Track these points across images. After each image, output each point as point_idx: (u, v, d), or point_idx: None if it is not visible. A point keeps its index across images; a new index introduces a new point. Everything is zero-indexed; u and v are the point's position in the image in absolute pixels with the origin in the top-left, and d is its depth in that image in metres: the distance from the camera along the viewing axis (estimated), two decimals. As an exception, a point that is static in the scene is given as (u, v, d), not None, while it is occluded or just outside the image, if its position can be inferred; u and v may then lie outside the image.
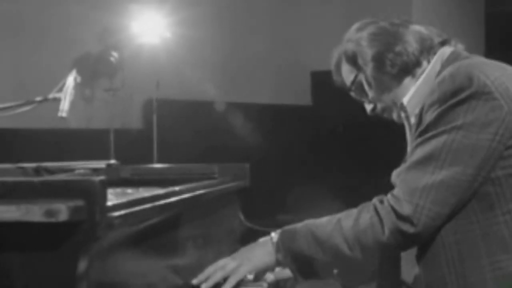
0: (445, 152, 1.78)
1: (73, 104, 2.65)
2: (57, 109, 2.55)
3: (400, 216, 1.78)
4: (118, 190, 2.41)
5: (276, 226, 2.74)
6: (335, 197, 6.76)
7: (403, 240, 1.79)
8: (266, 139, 7.06)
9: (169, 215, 1.94)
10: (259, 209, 3.34)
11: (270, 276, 2.00)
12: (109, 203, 1.52)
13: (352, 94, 2.03)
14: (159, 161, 6.47)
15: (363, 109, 2.07)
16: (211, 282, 1.92)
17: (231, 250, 2.54)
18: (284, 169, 7.02)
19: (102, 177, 1.46)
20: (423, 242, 1.83)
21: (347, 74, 2.01)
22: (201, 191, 2.20)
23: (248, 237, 2.68)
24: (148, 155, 6.45)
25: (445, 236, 1.81)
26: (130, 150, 6.57)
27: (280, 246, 1.92)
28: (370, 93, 1.99)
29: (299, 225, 1.95)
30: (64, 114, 2.53)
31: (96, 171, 2.71)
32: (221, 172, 2.65)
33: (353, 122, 5.13)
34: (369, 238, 1.81)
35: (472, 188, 1.78)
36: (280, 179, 6.96)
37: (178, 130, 6.99)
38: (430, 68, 1.94)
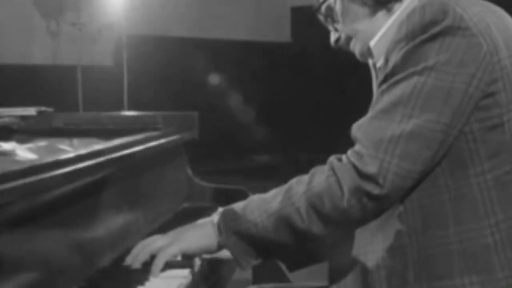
0: (414, 97, 1.46)
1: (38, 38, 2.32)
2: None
3: (362, 174, 1.46)
4: (45, 143, 2.09)
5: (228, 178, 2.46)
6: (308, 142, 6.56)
7: (367, 204, 1.47)
8: (242, 78, 6.77)
9: (99, 177, 1.64)
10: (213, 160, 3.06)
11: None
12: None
13: (320, 18, 1.70)
14: (129, 101, 6.17)
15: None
16: (137, 262, 1.61)
17: (178, 212, 2.27)
18: (267, 111, 6.74)
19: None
20: (390, 206, 1.51)
21: None
22: (136, 148, 1.89)
23: (197, 195, 2.40)
24: (118, 95, 6.15)
25: (407, 201, 1.50)
26: (99, 89, 6.30)
27: (222, 227, 1.58)
28: (337, 20, 1.66)
29: (243, 202, 1.62)
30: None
31: (25, 119, 2.40)
32: (166, 122, 2.35)
33: (334, 62, 4.80)
34: (325, 203, 1.48)
35: (447, 141, 1.47)
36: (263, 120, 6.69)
37: (149, 68, 6.68)
38: (407, 4, 1.59)
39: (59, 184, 1.44)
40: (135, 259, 1.61)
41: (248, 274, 2.56)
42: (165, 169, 2.22)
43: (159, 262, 1.57)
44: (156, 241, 1.62)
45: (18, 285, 1.34)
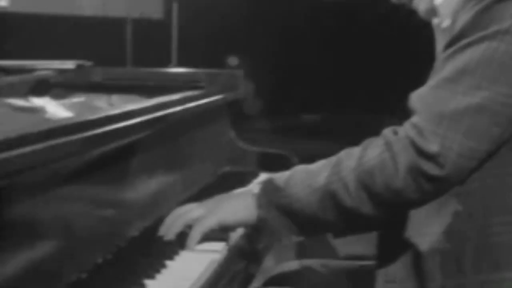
0: (484, 66, 1.30)
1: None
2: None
3: (421, 152, 1.30)
4: (80, 99, 1.99)
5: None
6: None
7: (423, 184, 1.31)
8: (293, 34, 6.60)
9: (132, 140, 1.52)
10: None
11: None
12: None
13: None
14: (179, 57, 6.05)
15: None
16: (171, 234, 1.48)
17: (218, 176, 2.15)
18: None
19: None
20: (450, 188, 1.35)
21: None
22: (173, 109, 1.77)
23: (239, 159, 2.28)
24: (168, 50, 6.03)
25: (468, 180, 1.35)
26: (148, 44, 6.19)
27: (262, 199, 1.43)
28: None
29: (286, 173, 1.46)
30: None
31: (63, 72, 2.30)
32: (210, 80, 2.22)
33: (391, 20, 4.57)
34: (377, 181, 1.32)
35: None
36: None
37: (201, 23, 6.54)
38: None
39: (82, 149, 1.32)
40: (168, 229, 1.49)
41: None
42: (206, 131, 2.10)
43: (195, 235, 1.45)
44: (192, 211, 1.49)
45: (47, 253, 1.24)
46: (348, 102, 6.40)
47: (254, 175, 2.17)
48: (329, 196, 1.37)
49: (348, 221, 1.40)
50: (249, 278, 1.61)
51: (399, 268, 1.42)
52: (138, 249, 1.47)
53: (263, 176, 2.17)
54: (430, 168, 1.30)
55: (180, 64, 5.68)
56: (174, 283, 1.33)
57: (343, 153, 1.41)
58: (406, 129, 1.34)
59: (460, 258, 1.37)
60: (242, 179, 2.11)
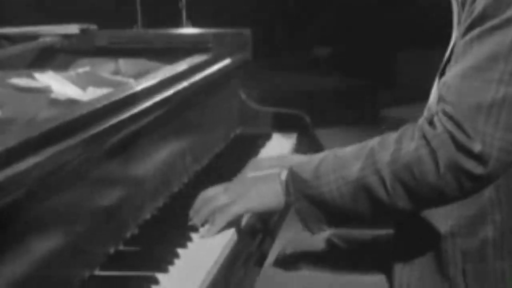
0: None
1: None
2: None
3: (463, 149, 1.22)
4: (85, 69, 1.94)
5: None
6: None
7: (464, 182, 1.24)
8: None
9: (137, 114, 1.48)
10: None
11: None
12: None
13: None
14: (192, 17, 5.88)
15: None
16: (199, 220, 1.43)
17: (228, 140, 2.11)
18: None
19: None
20: (490, 184, 1.29)
21: None
22: (180, 86, 1.71)
23: (251, 120, 2.24)
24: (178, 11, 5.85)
25: None
26: (158, 3, 6.02)
27: (290, 187, 1.36)
28: None
29: (316, 159, 1.38)
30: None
31: (67, 37, 2.25)
32: (218, 41, 2.16)
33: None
34: (416, 178, 1.26)
35: None
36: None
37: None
38: None
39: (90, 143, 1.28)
40: (196, 215, 1.44)
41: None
42: (216, 96, 2.05)
43: (220, 223, 1.40)
44: (219, 197, 1.42)
45: (62, 232, 1.22)
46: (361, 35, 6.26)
47: (268, 137, 2.14)
48: (364, 190, 1.31)
49: (381, 213, 1.35)
50: (264, 255, 1.59)
51: (417, 250, 1.39)
52: (149, 235, 1.44)
53: (276, 139, 2.14)
54: (473, 167, 1.23)
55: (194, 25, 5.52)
56: (188, 273, 1.30)
57: (376, 142, 1.34)
58: (442, 121, 1.26)
59: (483, 245, 1.34)
60: (255, 142, 2.08)
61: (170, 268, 1.30)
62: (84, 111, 1.35)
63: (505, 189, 1.33)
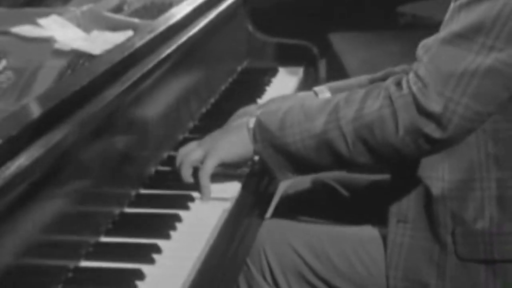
0: (501, 24, 1.22)
1: None
2: None
3: (423, 111, 1.26)
4: (91, 6, 1.92)
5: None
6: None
7: (422, 145, 1.29)
8: None
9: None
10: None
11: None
12: None
13: None
14: None
15: None
16: (185, 178, 1.46)
17: (235, 75, 2.11)
18: None
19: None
20: (449, 147, 1.34)
21: None
22: (195, 29, 1.75)
23: (258, 53, 2.23)
24: None
25: (480, 131, 1.32)
26: None
27: (257, 136, 1.41)
28: None
29: (283, 107, 1.43)
30: None
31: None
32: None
33: None
34: (376, 136, 1.31)
35: None
36: None
37: None
38: None
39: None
40: (181, 174, 1.48)
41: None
42: (222, 33, 2.03)
43: (204, 183, 1.44)
44: (193, 152, 1.47)
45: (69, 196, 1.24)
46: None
47: (274, 71, 2.14)
48: (326, 144, 1.36)
49: (343, 166, 1.44)
50: (267, 203, 1.63)
51: (411, 208, 1.42)
52: (150, 199, 1.46)
53: (281, 75, 2.14)
54: (431, 130, 1.27)
55: None
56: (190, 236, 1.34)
57: (342, 98, 1.37)
58: (410, 82, 1.29)
59: (473, 209, 1.37)
60: (260, 79, 2.08)
61: (177, 225, 1.35)
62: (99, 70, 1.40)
63: (489, 154, 1.35)
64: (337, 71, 2.78)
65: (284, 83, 2.09)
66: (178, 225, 1.35)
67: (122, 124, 1.44)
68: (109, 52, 1.56)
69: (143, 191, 1.48)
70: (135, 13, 2.02)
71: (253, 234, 1.52)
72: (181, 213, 1.38)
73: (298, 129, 1.38)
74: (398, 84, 1.31)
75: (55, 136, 1.18)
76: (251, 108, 1.67)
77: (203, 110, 1.86)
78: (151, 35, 1.63)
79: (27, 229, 1.11)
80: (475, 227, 1.37)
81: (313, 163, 1.40)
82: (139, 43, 1.58)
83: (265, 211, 1.62)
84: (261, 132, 1.41)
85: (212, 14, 1.90)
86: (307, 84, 2.10)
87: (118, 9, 2.11)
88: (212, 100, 1.93)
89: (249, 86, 2.03)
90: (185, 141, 1.67)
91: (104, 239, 1.32)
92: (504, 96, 1.27)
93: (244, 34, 2.20)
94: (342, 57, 3.31)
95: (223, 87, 2.02)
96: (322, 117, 1.36)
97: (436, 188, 1.39)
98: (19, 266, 1.09)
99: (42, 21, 1.72)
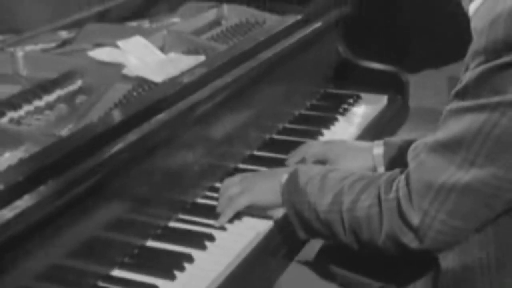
0: (480, 140, 1.19)
1: None
2: None
3: (404, 219, 1.28)
4: (178, 26, 2.02)
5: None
6: None
7: (402, 251, 1.31)
8: None
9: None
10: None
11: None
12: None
13: None
14: None
15: None
16: (220, 208, 1.57)
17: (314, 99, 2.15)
18: None
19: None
20: (435, 255, 1.36)
21: None
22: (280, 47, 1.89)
23: (346, 76, 2.24)
24: None
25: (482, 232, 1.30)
26: None
27: (285, 194, 1.50)
28: None
29: (310, 174, 1.48)
30: None
31: None
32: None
33: None
34: (363, 232, 1.35)
35: None
36: None
37: None
38: None
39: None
40: (218, 204, 1.59)
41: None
42: (308, 52, 2.07)
43: (228, 213, 1.55)
44: (232, 187, 1.57)
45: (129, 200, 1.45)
46: None
47: (356, 98, 2.15)
48: (328, 223, 1.41)
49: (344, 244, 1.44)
50: (296, 248, 1.65)
51: (419, 272, 1.44)
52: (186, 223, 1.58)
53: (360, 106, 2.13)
54: (409, 240, 1.28)
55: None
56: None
57: (348, 183, 1.40)
58: (400, 184, 1.30)
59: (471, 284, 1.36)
60: (337, 106, 2.10)
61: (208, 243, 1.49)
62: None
63: (495, 252, 1.32)
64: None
65: (363, 111, 2.11)
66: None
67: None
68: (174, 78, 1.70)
69: (181, 215, 1.60)
70: (231, 29, 2.12)
71: (277, 275, 1.57)
72: (207, 243, 1.49)
73: (312, 200, 1.44)
74: (390, 184, 1.33)
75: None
76: (314, 144, 1.79)
77: (267, 137, 1.93)
78: (213, 66, 1.74)
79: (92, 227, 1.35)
80: None
81: (321, 234, 1.47)
82: (200, 71, 1.71)
83: (294, 253, 1.64)
84: (288, 191, 1.49)
85: (299, 34, 1.97)
86: (390, 111, 2.11)
87: (215, 23, 2.22)
88: (280, 127, 1.99)
89: (323, 114, 2.07)
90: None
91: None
92: (485, 213, 1.25)
93: (333, 56, 2.22)
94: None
95: (296, 113, 2.06)
96: (329, 197, 1.41)
97: (444, 262, 1.38)
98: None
99: (121, 43, 1.85)
